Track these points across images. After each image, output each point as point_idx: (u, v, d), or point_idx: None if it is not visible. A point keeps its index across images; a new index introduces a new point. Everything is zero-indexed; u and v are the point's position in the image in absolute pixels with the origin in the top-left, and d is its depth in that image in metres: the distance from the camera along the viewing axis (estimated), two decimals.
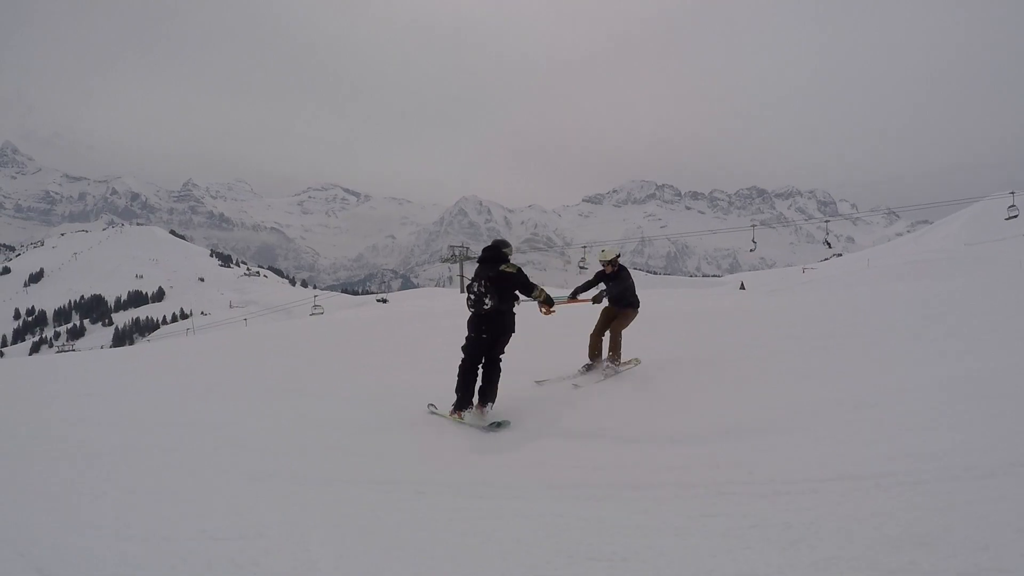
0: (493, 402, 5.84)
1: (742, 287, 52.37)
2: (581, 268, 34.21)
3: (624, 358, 7.38)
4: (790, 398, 5.70)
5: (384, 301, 51.38)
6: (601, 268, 7.52)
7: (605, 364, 7.13)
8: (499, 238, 6.48)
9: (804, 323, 10.57)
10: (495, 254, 5.97)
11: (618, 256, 7.42)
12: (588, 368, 7.26)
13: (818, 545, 2.71)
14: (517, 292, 5.96)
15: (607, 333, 7.34)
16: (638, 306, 7.48)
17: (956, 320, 9.01)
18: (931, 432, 4.12)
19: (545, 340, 9.35)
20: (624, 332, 7.34)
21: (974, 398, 4.74)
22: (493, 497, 3.87)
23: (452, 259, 41.74)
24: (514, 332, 6.00)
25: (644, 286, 10.96)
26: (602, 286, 7.51)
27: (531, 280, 5.93)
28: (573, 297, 7.70)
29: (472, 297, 5.85)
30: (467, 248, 41.49)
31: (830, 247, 27.83)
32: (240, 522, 3.48)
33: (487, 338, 5.85)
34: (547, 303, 6.13)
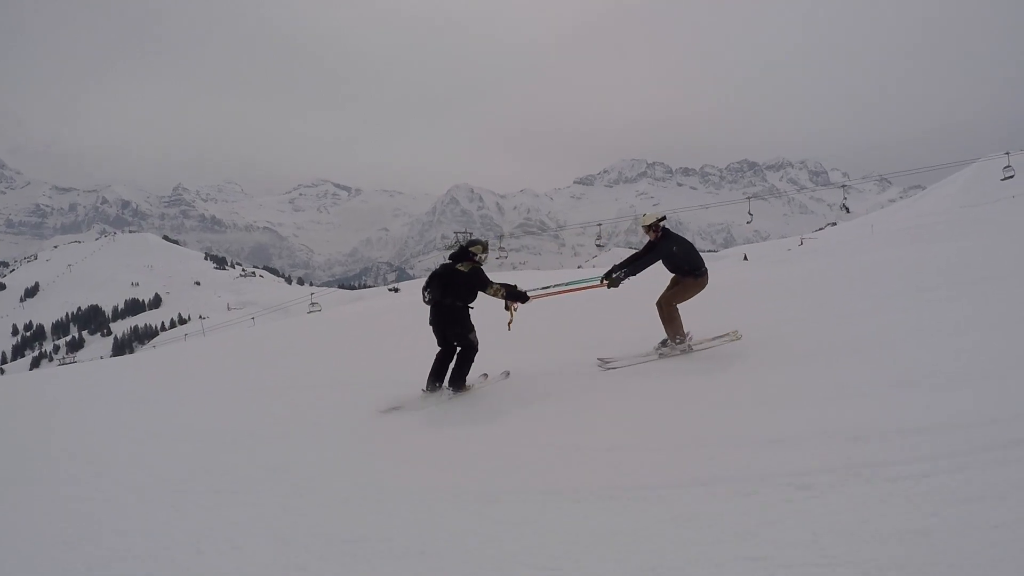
0: (455, 388, 6.22)
1: (745, 259, 52.23)
2: (598, 246, 38.10)
3: (714, 332, 6.59)
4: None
5: (396, 291, 54.74)
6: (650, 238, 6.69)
7: (675, 340, 6.45)
8: (475, 237, 7.05)
9: (865, 284, 9.89)
10: (460, 252, 6.35)
11: (660, 220, 6.59)
12: (664, 343, 6.58)
13: None
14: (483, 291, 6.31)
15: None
16: (700, 275, 6.54)
17: None
18: None
19: (631, 314, 8.63)
20: (684, 305, 6.53)
21: None
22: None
23: (455, 246, 41.78)
24: (466, 328, 6.26)
25: None
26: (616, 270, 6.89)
27: (490, 279, 6.29)
28: (607, 277, 6.70)
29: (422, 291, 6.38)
30: (470, 234, 41.23)
31: (848, 211, 28.47)
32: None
33: (435, 328, 6.34)
34: (512, 298, 6.36)
